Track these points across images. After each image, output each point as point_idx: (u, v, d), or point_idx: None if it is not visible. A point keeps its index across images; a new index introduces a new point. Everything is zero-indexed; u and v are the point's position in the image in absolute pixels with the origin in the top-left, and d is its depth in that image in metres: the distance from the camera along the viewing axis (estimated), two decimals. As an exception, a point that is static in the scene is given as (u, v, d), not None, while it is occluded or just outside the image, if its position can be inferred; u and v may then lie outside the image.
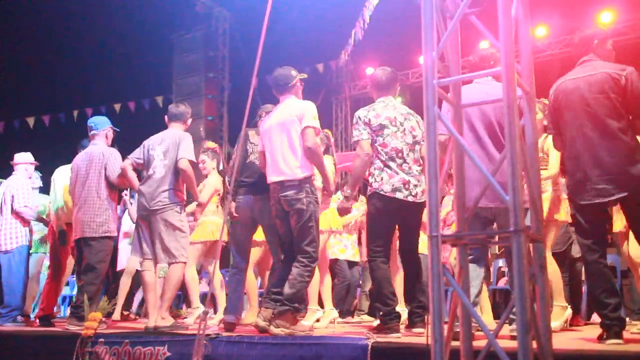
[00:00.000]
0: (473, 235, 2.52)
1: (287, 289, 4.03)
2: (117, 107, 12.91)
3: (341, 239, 6.64)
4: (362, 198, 6.64)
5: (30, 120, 13.28)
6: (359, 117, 4.21)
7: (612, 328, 3.32)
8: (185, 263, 4.83)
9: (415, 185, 4.09)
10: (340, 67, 12.95)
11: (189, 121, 5.19)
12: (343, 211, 4.25)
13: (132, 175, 5.03)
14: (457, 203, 2.39)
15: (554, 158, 4.43)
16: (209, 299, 4.03)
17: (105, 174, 5.15)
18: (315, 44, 11.65)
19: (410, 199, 4.06)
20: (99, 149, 5.25)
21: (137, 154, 4.97)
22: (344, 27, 11.78)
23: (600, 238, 3.52)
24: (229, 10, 12.89)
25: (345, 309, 7.06)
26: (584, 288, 5.82)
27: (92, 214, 5.11)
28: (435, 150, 2.20)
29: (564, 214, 4.48)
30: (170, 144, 4.81)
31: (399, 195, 4.04)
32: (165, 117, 5.16)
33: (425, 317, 4.09)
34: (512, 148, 2.05)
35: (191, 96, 12.35)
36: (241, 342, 3.79)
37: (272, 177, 4.22)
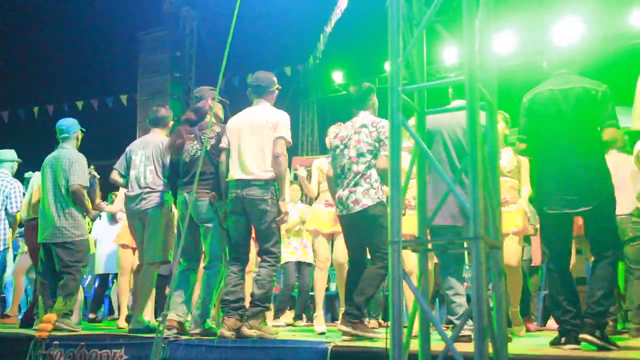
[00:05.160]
0: (434, 241, 2.55)
1: (257, 290, 4.09)
2: (80, 104, 12.65)
3: (289, 242, 6.67)
4: (303, 205, 6.81)
5: (-11, 116, 12.96)
6: (328, 136, 4.58)
7: (572, 333, 3.41)
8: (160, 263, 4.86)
9: (347, 197, 4.15)
10: (307, 71, 12.97)
11: (170, 126, 5.17)
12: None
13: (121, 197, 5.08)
14: (419, 210, 2.41)
15: (527, 167, 4.56)
16: (168, 301, 3.97)
17: (67, 179, 5.09)
18: (283, 47, 11.66)
19: (344, 212, 4.18)
20: (66, 154, 5.19)
21: (121, 162, 5.00)
22: (313, 32, 11.82)
23: (564, 246, 3.62)
24: (196, 10, 12.79)
25: (297, 313, 7.10)
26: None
27: (62, 220, 5.05)
28: (398, 156, 2.21)
29: (530, 222, 4.62)
30: (153, 151, 4.84)
31: (337, 211, 4.28)
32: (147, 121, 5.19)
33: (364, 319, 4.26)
34: (473, 156, 2.08)
35: (156, 96, 12.20)
36: (200, 346, 3.75)
37: (235, 174, 4.22)
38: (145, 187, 4.79)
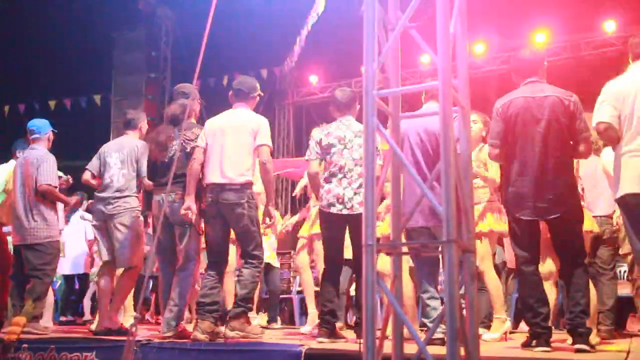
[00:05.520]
0: (408, 244, 2.57)
1: (240, 290, 4.10)
2: (52, 104, 12.44)
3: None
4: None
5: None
6: (313, 137, 4.43)
7: (543, 336, 3.47)
8: (140, 267, 4.86)
9: (351, 198, 4.15)
10: (284, 73, 12.96)
11: (144, 126, 5.13)
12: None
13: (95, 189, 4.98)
14: (393, 213, 2.43)
15: (495, 169, 4.56)
16: (140, 304, 3.93)
17: (35, 179, 5.02)
18: (260, 50, 11.61)
19: (344, 212, 4.16)
20: (36, 154, 5.12)
21: (94, 163, 4.97)
22: (289, 34, 11.80)
23: (535, 250, 3.68)
24: (172, 10, 12.68)
25: (270, 315, 7.08)
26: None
27: (32, 221, 4.99)
28: (373, 159, 2.23)
29: (502, 224, 4.61)
30: (128, 155, 4.81)
31: (333, 209, 4.21)
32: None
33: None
34: (447, 160, 2.10)
35: (131, 96, 12.06)
36: (173, 349, 3.73)
37: (212, 178, 4.21)
38: (117, 191, 4.78)
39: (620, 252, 4.95)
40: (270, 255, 6.78)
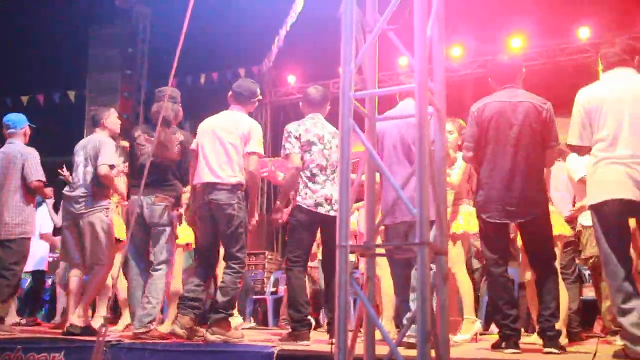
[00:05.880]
0: (381, 246, 2.57)
1: (220, 297, 4.05)
2: (25, 99, 12.20)
3: None
4: None
5: None
6: (290, 132, 4.34)
7: (512, 338, 3.51)
8: (110, 266, 4.79)
9: (337, 201, 4.14)
10: (262, 73, 12.91)
11: (109, 122, 5.02)
12: (273, 222, 4.52)
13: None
14: (367, 215, 2.43)
15: (459, 169, 4.58)
16: (110, 304, 3.87)
17: (22, 175, 4.99)
18: (238, 48, 11.56)
19: (332, 213, 4.16)
20: (17, 149, 5.08)
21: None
22: (268, 34, 11.77)
23: (504, 253, 3.72)
24: (150, 6, 12.55)
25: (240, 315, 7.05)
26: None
27: (10, 216, 4.95)
28: (347, 161, 2.22)
29: (473, 225, 4.64)
30: (91, 150, 4.76)
31: (320, 209, 4.19)
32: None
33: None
34: (421, 163, 2.10)
35: (106, 93, 11.90)
36: (143, 349, 3.67)
37: (203, 178, 4.18)
38: (84, 190, 4.73)
39: (582, 256, 4.92)
40: None
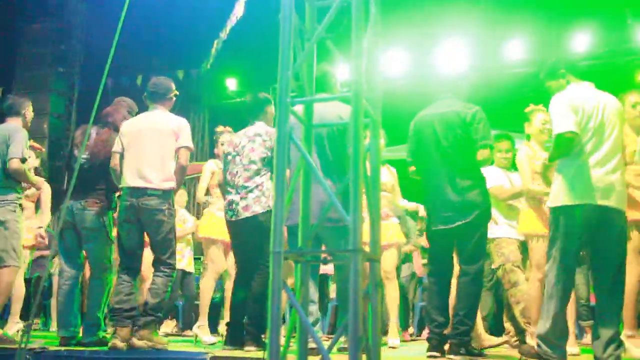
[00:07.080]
0: (315, 252, 2.59)
1: (151, 299, 3.99)
2: (-52, 96, 11.61)
3: (179, 249, 6.54)
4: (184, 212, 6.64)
5: None
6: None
7: (432, 342, 3.64)
8: (18, 267, 4.48)
9: (237, 203, 4.15)
10: (200, 76, 12.76)
11: (28, 113, 4.76)
12: None
13: None
14: (302, 221, 2.44)
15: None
16: (35, 310, 3.73)
17: None
18: (176, 50, 11.38)
19: (233, 218, 4.18)
20: None
21: None
22: (207, 37, 11.64)
23: (444, 260, 3.84)
24: (85, 3, 12.17)
25: (185, 322, 6.93)
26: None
27: None
28: (284, 167, 2.23)
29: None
30: (0, 141, 4.44)
31: (226, 217, 4.25)
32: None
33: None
34: (356, 170, 2.14)
35: (36, 90, 11.38)
36: (70, 357, 3.55)
37: (131, 182, 4.07)
38: None
39: (493, 265, 4.62)
40: (188, 262, 6.65)
